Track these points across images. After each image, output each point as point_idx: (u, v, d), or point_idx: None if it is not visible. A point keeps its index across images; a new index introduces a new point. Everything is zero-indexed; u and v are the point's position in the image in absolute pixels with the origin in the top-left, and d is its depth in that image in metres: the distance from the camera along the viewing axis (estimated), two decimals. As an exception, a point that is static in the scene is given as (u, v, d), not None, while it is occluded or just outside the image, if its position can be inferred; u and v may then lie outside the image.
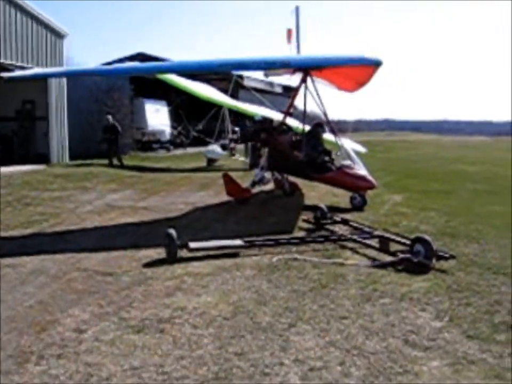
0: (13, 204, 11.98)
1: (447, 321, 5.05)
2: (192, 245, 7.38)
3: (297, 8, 15.81)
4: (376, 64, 11.03)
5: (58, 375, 4.00)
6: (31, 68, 19.33)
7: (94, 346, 4.50)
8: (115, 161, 21.61)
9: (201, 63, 11.26)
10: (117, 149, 22.21)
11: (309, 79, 12.40)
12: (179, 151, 30.78)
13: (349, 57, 11.37)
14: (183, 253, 7.35)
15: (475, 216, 11.02)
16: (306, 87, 12.49)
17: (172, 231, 7.31)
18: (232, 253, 7.55)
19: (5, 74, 10.78)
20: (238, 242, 7.73)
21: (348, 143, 13.03)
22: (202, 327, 4.90)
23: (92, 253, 7.68)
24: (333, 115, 12.80)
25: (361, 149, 18.52)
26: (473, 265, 7.09)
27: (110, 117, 22.54)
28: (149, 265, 7.04)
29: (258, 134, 12.68)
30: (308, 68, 12.23)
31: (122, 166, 21.28)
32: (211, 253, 7.47)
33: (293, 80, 13.97)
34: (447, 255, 7.11)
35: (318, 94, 12.56)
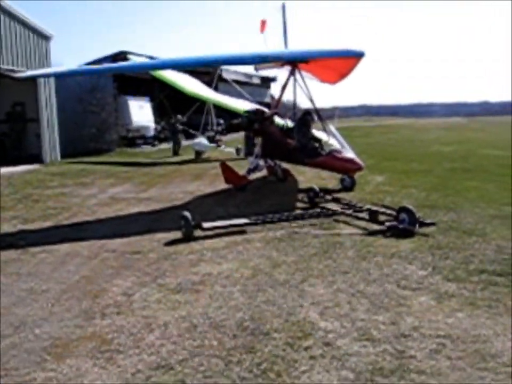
0: (22, 201, 12.71)
1: (431, 270, 6.16)
2: (205, 225, 8.35)
3: (283, 6, 16.71)
4: (359, 55, 12.02)
5: (124, 325, 4.97)
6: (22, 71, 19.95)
7: (145, 305, 5.47)
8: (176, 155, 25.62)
9: (198, 59, 12.00)
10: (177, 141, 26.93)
11: (296, 72, 13.32)
12: (164, 146, 31.53)
13: (335, 50, 12.37)
14: (196, 233, 8.29)
15: (451, 190, 12.17)
16: (295, 79, 13.43)
17: (187, 213, 8.27)
18: (239, 231, 8.53)
19: (18, 75, 11.60)
20: (244, 220, 8.72)
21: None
22: (230, 285, 5.91)
23: (113, 239, 8.53)
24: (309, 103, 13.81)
25: None
26: (451, 229, 8.21)
27: (179, 116, 28.16)
28: (168, 244, 7.99)
29: (251, 124, 13.48)
30: (296, 61, 13.15)
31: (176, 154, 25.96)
32: (220, 231, 8.44)
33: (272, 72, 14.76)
34: (428, 222, 8.20)
35: (305, 85, 13.54)
